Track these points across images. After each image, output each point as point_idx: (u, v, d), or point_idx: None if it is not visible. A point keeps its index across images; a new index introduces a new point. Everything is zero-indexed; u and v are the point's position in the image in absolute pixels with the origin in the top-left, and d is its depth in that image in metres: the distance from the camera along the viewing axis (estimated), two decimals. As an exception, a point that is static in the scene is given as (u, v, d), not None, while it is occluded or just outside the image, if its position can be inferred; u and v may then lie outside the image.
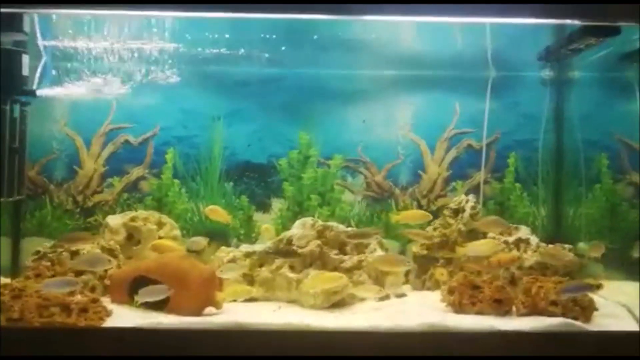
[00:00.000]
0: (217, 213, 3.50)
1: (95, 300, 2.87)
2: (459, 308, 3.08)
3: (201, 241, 3.48)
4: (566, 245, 3.50)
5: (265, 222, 3.94)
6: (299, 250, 3.36)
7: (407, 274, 3.58)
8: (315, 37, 3.70)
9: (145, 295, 2.86)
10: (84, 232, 3.71)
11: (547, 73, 4.09)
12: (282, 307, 3.20)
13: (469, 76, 4.07)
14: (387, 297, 3.35)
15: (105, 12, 3.26)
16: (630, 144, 4.08)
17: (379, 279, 3.45)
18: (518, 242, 3.54)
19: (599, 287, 3.08)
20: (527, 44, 3.76)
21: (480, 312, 3.02)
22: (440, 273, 3.55)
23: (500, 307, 3.03)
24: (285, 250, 3.35)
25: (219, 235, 3.95)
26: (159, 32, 3.58)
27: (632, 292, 3.28)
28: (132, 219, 3.60)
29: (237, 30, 3.66)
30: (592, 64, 3.88)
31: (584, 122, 4.06)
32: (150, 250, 3.39)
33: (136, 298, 2.89)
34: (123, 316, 2.91)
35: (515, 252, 3.42)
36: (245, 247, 3.52)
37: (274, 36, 3.74)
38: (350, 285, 3.25)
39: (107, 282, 3.27)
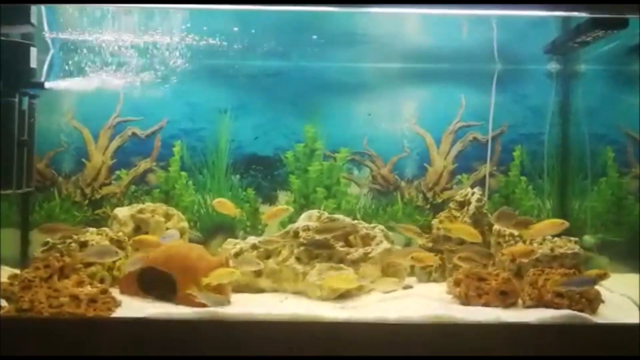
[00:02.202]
0: (225, 206, 3.49)
1: (104, 291, 2.90)
2: (465, 300, 3.09)
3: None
4: (572, 238, 3.50)
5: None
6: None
7: (412, 266, 3.59)
8: (321, 29, 3.70)
9: (206, 299, 2.89)
10: (61, 223, 3.75)
11: (553, 66, 4.08)
12: (289, 298, 3.21)
13: (474, 69, 4.06)
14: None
15: (109, 5, 3.30)
16: (636, 137, 4.08)
17: (384, 272, 3.47)
18: (523, 235, 3.55)
19: (603, 276, 3.09)
20: (533, 37, 3.75)
21: (486, 304, 3.02)
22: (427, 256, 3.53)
23: (507, 299, 3.04)
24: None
25: (226, 228, 3.98)
26: (165, 25, 3.59)
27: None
28: (140, 211, 3.62)
29: (243, 22, 3.67)
30: (599, 57, 3.87)
31: (590, 115, 4.05)
32: (131, 245, 3.35)
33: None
34: (131, 307, 2.93)
35: (528, 245, 3.39)
36: (252, 239, 3.53)
37: (280, 29, 3.74)
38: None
39: (115, 273, 3.29)
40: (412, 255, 3.22)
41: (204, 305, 2.95)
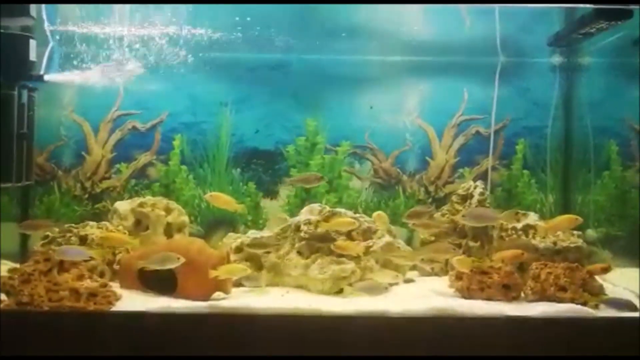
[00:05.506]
0: (219, 199, 3.40)
1: (104, 285, 2.89)
2: (467, 294, 3.07)
3: None
4: (575, 232, 3.48)
5: (272, 209, 3.97)
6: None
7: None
8: (322, 21, 3.68)
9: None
10: (45, 219, 3.74)
11: (556, 59, 4.06)
12: (290, 292, 3.20)
13: (477, 62, 4.04)
14: (395, 282, 3.35)
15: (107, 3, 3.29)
16: (640, 130, 4.06)
17: (385, 266, 3.45)
18: (526, 229, 3.53)
19: (607, 269, 3.08)
20: (537, 29, 3.72)
21: (488, 298, 3.01)
22: None
23: (509, 292, 3.02)
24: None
25: (226, 222, 3.96)
26: (166, 18, 3.58)
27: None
28: (140, 205, 3.60)
29: (245, 15, 3.65)
30: (602, 50, 3.85)
31: (594, 108, 4.03)
32: (99, 242, 3.29)
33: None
34: (132, 301, 2.92)
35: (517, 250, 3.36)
36: (253, 233, 3.52)
37: (282, 21, 3.73)
38: (366, 269, 3.27)
39: (116, 267, 3.28)
40: (334, 243, 3.23)
41: (205, 299, 2.95)
